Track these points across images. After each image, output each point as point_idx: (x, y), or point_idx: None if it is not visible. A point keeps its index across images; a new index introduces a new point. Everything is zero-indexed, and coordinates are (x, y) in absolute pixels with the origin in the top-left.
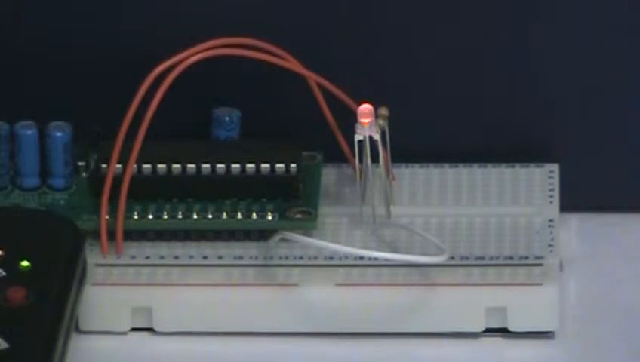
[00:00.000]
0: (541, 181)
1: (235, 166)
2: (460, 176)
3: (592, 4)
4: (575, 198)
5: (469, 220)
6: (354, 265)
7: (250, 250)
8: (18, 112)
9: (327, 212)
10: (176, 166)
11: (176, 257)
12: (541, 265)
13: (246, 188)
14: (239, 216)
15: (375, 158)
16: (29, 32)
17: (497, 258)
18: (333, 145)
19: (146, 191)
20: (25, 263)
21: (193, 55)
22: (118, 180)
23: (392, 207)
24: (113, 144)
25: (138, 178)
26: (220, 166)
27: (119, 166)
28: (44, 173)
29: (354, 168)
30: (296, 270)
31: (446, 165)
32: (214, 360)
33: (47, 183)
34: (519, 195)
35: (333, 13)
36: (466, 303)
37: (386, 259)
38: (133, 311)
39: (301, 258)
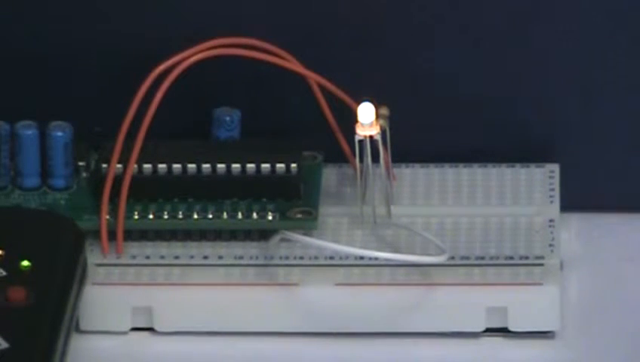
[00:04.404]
0: (541, 181)
1: (236, 166)
2: (460, 176)
3: (592, 4)
4: (575, 198)
5: (470, 220)
6: (354, 265)
7: (250, 249)
8: (18, 112)
9: (327, 212)
10: (177, 166)
11: (176, 257)
12: (541, 264)
13: (246, 188)
14: (240, 215)
15: (375, 158)
16: (30, 31)
17: (498, 258)
18: (334, 145)
19: (146, 191)
20: (25, 263)
21: (193, 55)
22: (118, 180)
23: (392, 207)
24: (114, 144)
25: (138, 178)
26: (221, 166)
27: (120, 166)
28: (45, 173)
29: (354, 168)
30: (296, 270)
31: (446, 165)
32: (214, 360)
33: (48, 183)
34: (520, 195)
35: (333, 14)
36: (466, 303)
37: (387, 259)
38: (133, 311)
39: (301, 258)
